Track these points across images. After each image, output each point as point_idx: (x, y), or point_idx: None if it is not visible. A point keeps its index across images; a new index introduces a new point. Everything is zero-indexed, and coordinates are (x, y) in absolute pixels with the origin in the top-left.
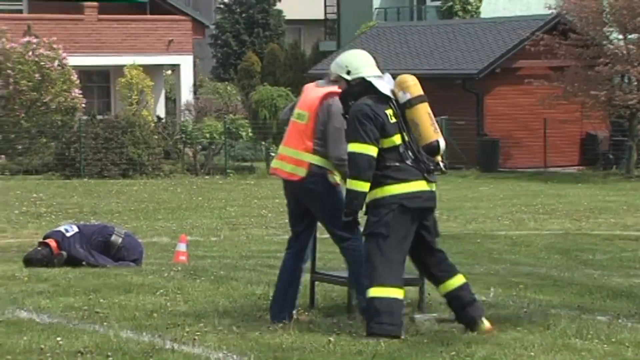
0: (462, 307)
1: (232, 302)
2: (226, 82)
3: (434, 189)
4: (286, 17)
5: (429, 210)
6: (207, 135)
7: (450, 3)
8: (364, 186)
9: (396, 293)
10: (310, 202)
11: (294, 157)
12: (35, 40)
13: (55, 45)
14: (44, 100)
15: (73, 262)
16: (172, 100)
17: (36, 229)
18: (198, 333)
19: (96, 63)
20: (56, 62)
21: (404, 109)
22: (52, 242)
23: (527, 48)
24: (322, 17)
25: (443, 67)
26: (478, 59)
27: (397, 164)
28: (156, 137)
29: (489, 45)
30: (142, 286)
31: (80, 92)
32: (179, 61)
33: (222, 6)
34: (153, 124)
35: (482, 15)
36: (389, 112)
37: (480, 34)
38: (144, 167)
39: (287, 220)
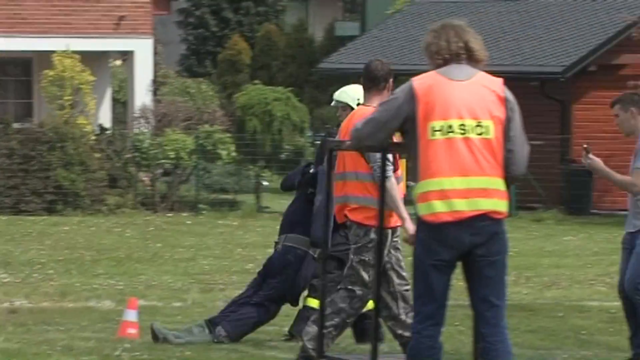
0: None
1: None
2: (200, 79)
3: None
4: None
5: None
6: (172, 154)
7: None
8: None
9: None
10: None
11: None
12: None
13: None
14: None
15: None
16: (121, 104)
17: None
18: None
19: (13, 48)
20: None
21: None
22: None
23: (634, 37)
24: None
25: (512, 62)
26: (563, 52)
27: None
28: (98, 155)
29: (580, 33)
30: None
31: None
32: (133, 47)
33: None
34: (94, 137)
35: None
36: None
37: (568, 16)
38: (78, 199)
39: None
